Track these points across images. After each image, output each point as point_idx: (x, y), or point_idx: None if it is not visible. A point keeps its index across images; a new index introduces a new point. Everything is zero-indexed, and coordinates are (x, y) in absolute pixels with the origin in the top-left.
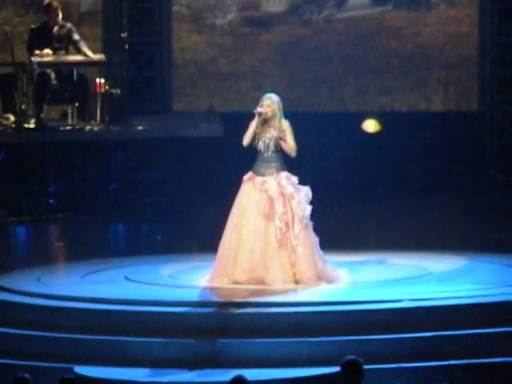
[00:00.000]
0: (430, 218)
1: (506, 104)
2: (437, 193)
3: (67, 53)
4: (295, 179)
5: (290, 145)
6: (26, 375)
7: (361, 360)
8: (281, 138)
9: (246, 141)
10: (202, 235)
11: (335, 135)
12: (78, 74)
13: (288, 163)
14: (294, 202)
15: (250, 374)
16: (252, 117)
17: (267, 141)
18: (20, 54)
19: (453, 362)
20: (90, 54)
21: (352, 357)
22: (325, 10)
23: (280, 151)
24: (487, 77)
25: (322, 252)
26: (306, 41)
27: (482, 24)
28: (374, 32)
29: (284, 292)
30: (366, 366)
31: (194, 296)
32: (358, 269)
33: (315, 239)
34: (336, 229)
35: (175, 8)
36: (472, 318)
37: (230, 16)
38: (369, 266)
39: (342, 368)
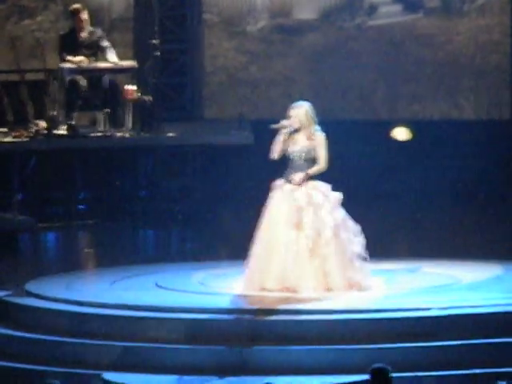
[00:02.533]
0: (460, 227)
1: None
2: (468, 201)
3: (97, 59)
4: (326, 187)
5: (320, 164)
6: (56, 382)
7: (389, 368)
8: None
9: (274, 154)
10: (232, 242)
11: (366, 143)
12: (110, 81)
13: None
14: (323, 211)
15: (279, 381)
16: (274, 131)
17: (299, 149)
18: (51, 61)
19: (480, 371)
20: (115, 60)
21: (380, 364)
22: (356, 17)
23: (312, 160)
24: None
25: (359, 259)
26: (337, 48)
27: None
28: (406, 40)
29: (314, 300)
30: (394, 374)
31: (223, 303)
32: (388, 277)
33: (355, 244)
34: (367, 237)
35: (206, 15)
36: (502, 327)
37: (261, 23)
38: (399, 275)
39: (371, 376)
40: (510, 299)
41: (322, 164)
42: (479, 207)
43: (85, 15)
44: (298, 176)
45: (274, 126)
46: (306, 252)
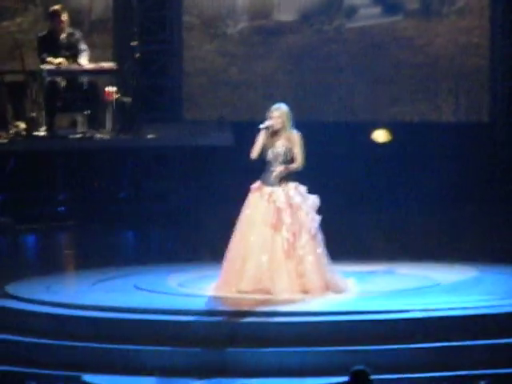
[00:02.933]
0: (438, 229)
1: None
2: (446, 203)
3: (75, 61)
4: (304, 189)
5: (297, 162)
6: (36, 383)
7: (368, 370)
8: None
9: (254, 154)
10: (212, 244)
11: (345, 145)
12: (89, 82)
13: (297, 172)
14: (301, 213)
15: (257, 383)
16: (260, 130)
17: (276, 151)
18: (30, 62)
19: (460, 373)
20: (83, 63)
21: (359, 367)
22: (335, 19)
23: (289, 161)
24: (498, 87)
25: (329, 262)
26: (317, 50)
27: (493, 35)
28: (385, 42)
29: (291, 302)
30: (373, 376)
31: (202, 305)
32: (365, 279)
33: (323, 249)
34: (345, 238)
35: (186, 17)
36: (480, 329)
37: (241, 25)
38: (377, 276)
39: (350, 378)
40: (488, 301)
41: (299, 161)
42: (457, 209)
43: (65, 17)
44: (278, 169)
45: (263, 126)
46: (282, 253)
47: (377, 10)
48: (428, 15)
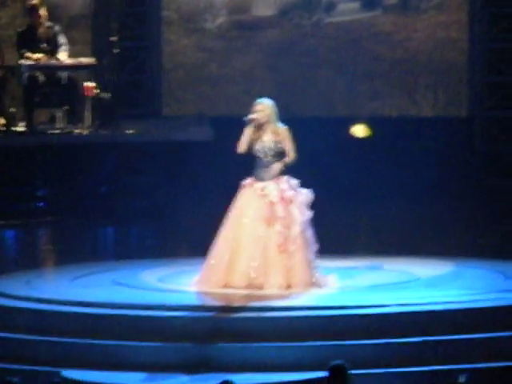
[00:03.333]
0: (418, 224)
1: (495, 109)
2: (425, 198)
3: (54, 55)
4: (295, 182)
5: (289, 155)
6: (15, 379)
7: (347, 365)
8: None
9: (241, 148)
10: (192, 239)
11: (325, 140)
12: (68, 78)
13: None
14: (293, 206)
15: (240, 378)
16: (245, 123)
17: (265, 146)
18: (9, 58)
19: (439, 368)
20: (62, 58)
21: (338, 361)
22: (314, 14)
23: (279, 155)
24: (476, 82)
25: (314, 257)
26: (296, 45)
27: (472, 29)
28: (364, 37)
29: (275, 297)
30: (353, 371)
31: (183, 300)
32: (347, 274)
33: (313, 244)
34: (326, 234)
35: (165, 12)
36: (459, 324)
37: (220, 20)
38: (358, 272)
39: (329, 373)
40: (468, 296)
41: (291, 155)
42: (436, 204)
43: (43, 11)
44: (276, 166)
45: (248, 118)
46: (275, 248)
47: (355, 4)
48: (406, 10)
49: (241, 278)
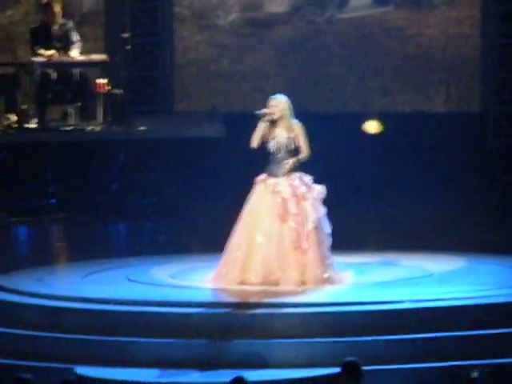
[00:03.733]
0: (431, 219)
1: (508, 105)
2: (438, 193)
3: (66, 52)
4: (309, 179)
5: (303, 152)
6: (28, 375)
7: (360, 361)
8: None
9: (254, 143)
10: (204, 235)
11: (337, 136)
12: (80, 75)
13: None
14: (306, 203)
15: (252, 374)
16: (258, 118)
17: (278, 142)
18: (22, 54)
19: (453, 364)
20: (75, 56)
21: (351, 358)
22: (327, 10)
23: (292, 151)
24: (489, 78)
25: (330, 254)
26: (308, 41)
27: (484, 25)
28: (376, 33)
29: (287, 293)
30: (366, 367)
31: (196, 297)
32: (360, 270)
33: (327, 240)
34: (338, 230)
35: (177, 8)
36: (473, 319)
37: (232, 16)
38: (371, 268)
39: (342, 369)
40: (481, 291)
41: (305, 151)
42: (449, 199)
43: (57, 8)
44: (290, 161)
45: (258, 112)
46: (290, 244)
47: (368, 0)
48: (419, 6)
49: (256, 274)
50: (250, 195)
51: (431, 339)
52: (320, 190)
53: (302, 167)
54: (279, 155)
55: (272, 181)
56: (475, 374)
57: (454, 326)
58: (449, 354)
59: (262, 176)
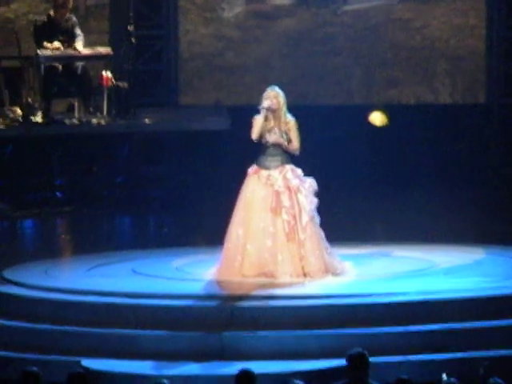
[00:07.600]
0: (436, 211)
1: None
2: (443, 185)
3: (71, 46)
4: (300, 171)
5: (294, 145)
6: (35, 368)
7: (366, 352)
8: (286, 141)
9: (255, 135)
10: (209, 228)
11: (342, 128)
12: (84, 68)
13: (295, 156)
14: (300, 195)
15: (256, 366)
16: (258, 111)
17: (273, 134)
18: (27, 48)
19: (460, 356)
20: (80, 49)
21: (358, 349)
22: (332, 2)
23: (284, 145)
24: (494, 69)
25: (328, 245)
26: (313, 33)
27: (489, 16)
28: (381, 24)
29: (291, 285)
30: (372, 359)
31: (201, 289)
32: (364, 262)
33: (321, 232)
34: (343, 222)
35: (181, 1)
36: (479, 311)
37: (237, 9)
38: (375, 259)
39: (348, 360)
40: (488, 283)
41: (295, 144)
42: (454, 191)
43: (70, 3)
44: (280, 156)
45: (264, 107)
46: (284, 236)
47: None
48: None
49: (251, 267)
50: (242, 187)
51: (436, 331)
52: (311, 182)
53: (306, 159)
54: (272, 147)
55: (265, 172)
56: (481, 371)
57: (461, 318)
58: (456, 345)
59: (254, 167)
